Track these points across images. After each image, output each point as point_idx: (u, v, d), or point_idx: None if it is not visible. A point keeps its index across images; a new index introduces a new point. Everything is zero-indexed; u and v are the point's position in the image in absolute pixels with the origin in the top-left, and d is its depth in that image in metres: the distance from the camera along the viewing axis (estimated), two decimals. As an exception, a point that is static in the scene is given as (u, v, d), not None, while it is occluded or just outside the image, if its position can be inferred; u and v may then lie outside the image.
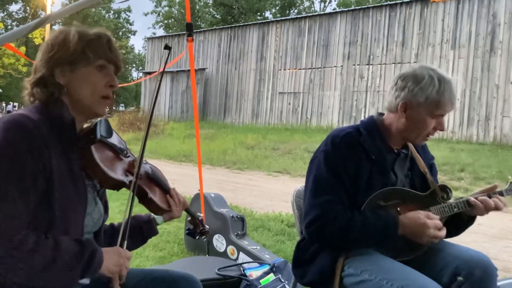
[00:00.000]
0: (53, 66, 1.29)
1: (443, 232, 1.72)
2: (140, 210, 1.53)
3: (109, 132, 1.41)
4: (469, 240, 4.70)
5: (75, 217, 1.27)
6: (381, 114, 1.93)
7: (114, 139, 1.44)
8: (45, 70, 1.29)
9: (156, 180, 1.54)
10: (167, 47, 1.44)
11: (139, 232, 1.56)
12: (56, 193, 1.19)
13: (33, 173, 1.14)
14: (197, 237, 1.75)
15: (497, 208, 1.82)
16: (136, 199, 1.43)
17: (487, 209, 1.80)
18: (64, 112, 1.28)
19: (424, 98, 1.73)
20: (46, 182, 1.17)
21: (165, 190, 1.57)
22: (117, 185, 1.36)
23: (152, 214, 1.60)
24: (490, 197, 1.82)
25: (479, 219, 1.90)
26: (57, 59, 1.28)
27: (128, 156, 1.46)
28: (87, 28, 1.35)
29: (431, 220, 1.69)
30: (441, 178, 9.33)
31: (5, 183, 1.11)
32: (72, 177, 1.26)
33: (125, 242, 1.33)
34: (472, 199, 1.81)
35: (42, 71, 1.29)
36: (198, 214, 1.74)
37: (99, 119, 1.39)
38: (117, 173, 1.36)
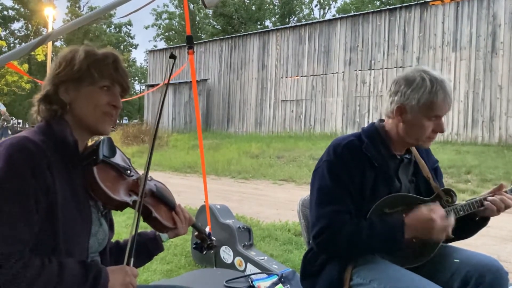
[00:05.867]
0: (58, 83, 1.30)
1: (451, 220, 1.70)
2: (146, 226, 1.52)
3: (112, 151, 1.40)
4: (479, 243, 4.66)
5: (79, 239, 1.27)
6: (382, 120, 1.91)
7: (117, 158, 1.43)
8: (50, 87, 1.30)
9: (161, 198, 1.52)
10: (172, 56, 1.42)
11: (145, 249, 1.55)
12: (60, 215, 1.19)
13: (36, 197, 1.14)
14: (204, 252, 1.74)
15: (507, 206, 1.79)
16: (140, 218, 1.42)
17: (498, 208, 1.78)
18: (67, 133, 1.28)
19: (417, 100, 1.72)
20: (49, 205, 1.17)
21: (171, 207, 1.55)
22: (120, 206, 1.35)
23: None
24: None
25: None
26: (62, 76, 1.30)
27: (132, 175, 1.44)
28: (96, 48, 1.35)
29: (435, 213, 1.67)
30: (448, 181, 9.28)
31: (8, 208, 1.11)
32: (75, 198, 1.25)
33: (132, 259, 1.32)
34: (484, 201, 1.79)
35: (47, 88, 1.31)
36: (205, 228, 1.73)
37: (102, 138, 1.38)
38: (120, 194, 1.34)
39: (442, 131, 1.78)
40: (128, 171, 1.43)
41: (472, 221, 1.87)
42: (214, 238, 1.76)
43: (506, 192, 1.84)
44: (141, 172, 1.48)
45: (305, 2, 45.20)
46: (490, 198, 1.80)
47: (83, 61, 1.29)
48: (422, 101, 1.71)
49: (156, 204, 1.49)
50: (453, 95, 14.16)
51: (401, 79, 1.79)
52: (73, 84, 1.30)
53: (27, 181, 1.13)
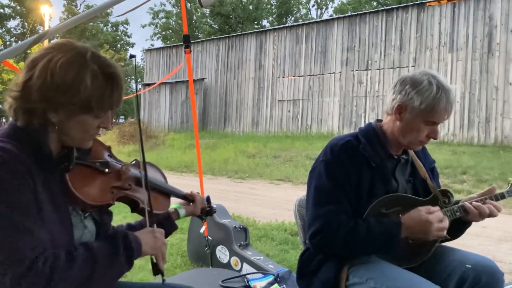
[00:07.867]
0: (51, 106, 1.17)
1: (446, 222, 1.71)
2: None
3: (85, 150, 1.31)
4: (475, 243, 4.67)
5: (62, 246, 1.18)
6: (379, 121, 1.92)
7: (93, 154, 1.34)
8: (41, 105, 1.16)
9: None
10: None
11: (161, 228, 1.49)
12: (45, 220, 1.14)
13: (29, 201, 1.11)
14: (204, 219, 1.85)
15: (491, 215, 1.80)
16: (129, 209, 1.40)
17: (481, 215, 1.78)
18: (42, 142, 1.19)
19: (419, 103, 1.72)
20: (38, 210, 1.13)
21: (164, 192, 1.54)
22: (103, 207, 1.31)
23: (173, 207, 1.65)
24: (484, 203, 1.80)
25: (483, 222, 1.89)
26: (59, 102, 1.16)
27: (110, 172, 1.34)
28: (102, 66, 1.21)
29: (432, 215, 1.68)
30: (444, 181, 9.30)
31: (14, 218, 1.07)
32: (54, 204, 1.18)
33: (154, 225, 1.33)
34: (467, 204, 1.79)
35: (36, 103, 1.16)
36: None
37: None
38: (100, 196, 1.27)
39: (435, 138, 1.80)
40: (107, 169, 1.33)
41: (459, 223, 1.86)
42: (214, 205, 1.78)
43: (502, 194, 1.84)
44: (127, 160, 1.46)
45: (302, 2, 45.21)
46: (475, 204, 1.80)
47: (88, 91, 1.17)
48: (425, 104, 1.72)
49: (144, 192, 1.39)
50: (450, 96, 14.45)
51: (408, 78, 1.79)
52: (68, 110, 1.18)
53: (17, 192, 1.09)
